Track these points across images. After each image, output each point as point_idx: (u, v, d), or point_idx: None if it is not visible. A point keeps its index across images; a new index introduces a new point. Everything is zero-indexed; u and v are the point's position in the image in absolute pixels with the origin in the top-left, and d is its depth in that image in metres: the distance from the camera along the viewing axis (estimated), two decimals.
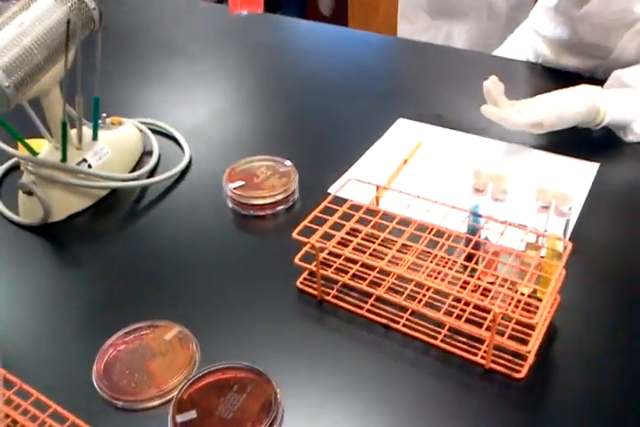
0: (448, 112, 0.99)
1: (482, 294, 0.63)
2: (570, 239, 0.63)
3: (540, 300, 0.57)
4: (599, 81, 0.92)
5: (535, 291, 0.65)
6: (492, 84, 0.84)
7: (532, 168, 0.85)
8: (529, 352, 0.58)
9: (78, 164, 0.80)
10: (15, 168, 0.90)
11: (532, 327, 0.58)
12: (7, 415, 0.51)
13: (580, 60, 0.88)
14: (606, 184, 0.82)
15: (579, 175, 0.83)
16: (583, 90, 0.84)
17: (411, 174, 0.86)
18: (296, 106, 1.05)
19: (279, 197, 0.79)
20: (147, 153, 0.92)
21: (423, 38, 1.63)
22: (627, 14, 0.89)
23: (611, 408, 0.56)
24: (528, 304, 0.62)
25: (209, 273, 0.72)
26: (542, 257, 0.62)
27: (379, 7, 2.27)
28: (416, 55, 1.20)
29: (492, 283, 0.61)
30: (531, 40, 1.12)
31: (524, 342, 0.58)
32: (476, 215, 0.64)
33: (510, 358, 0.59)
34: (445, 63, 1.15)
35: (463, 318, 0.60)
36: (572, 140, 0.86)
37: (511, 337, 0.59)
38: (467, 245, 0.64)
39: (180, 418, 0.54)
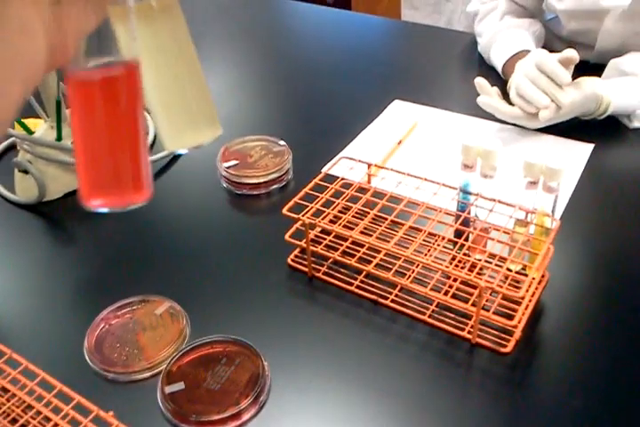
0: (445, 94, 0.99)
1: (469, 270, 0.63)
2: (562, 218, 0.63)
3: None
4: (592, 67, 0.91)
5: (525, 268, 0.65)
6: (483, 79, 0.84)
7: (525, 148, 0.85)
8: (515, 327, 0.58)
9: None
10: (12, 147, 0.90)
11: (518, 303, 0.59)
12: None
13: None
14: (600, 165, 0.82)
15: (573, 155, 0.83)
16: (582, 81, 0.83)
17: (405, 154, 0.86)
18: (292, 86, 1.05)
19: (272, 177, 0.80)
20: None
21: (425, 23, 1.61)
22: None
23: (594, 385, 0.56)
24: (516, 281, 0.62)
25: (201, 251, 0.72)
26: (532, 235, 0.62)
27: None
28: (416, 38, 1.20)
29: (480, 260, 0.61)
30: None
31: (511, 318, 0.58)
32: (465, 192, 0.65)
33: (497, 333, 0.59)
34: (445, 46, 1.14)
35: (450, 294, 0.61)
36: (566, 122, 0.86)
37: (498, 313, 0.59)
38: (456, 222, 0.64)
39: (168, 389, 0.55)
